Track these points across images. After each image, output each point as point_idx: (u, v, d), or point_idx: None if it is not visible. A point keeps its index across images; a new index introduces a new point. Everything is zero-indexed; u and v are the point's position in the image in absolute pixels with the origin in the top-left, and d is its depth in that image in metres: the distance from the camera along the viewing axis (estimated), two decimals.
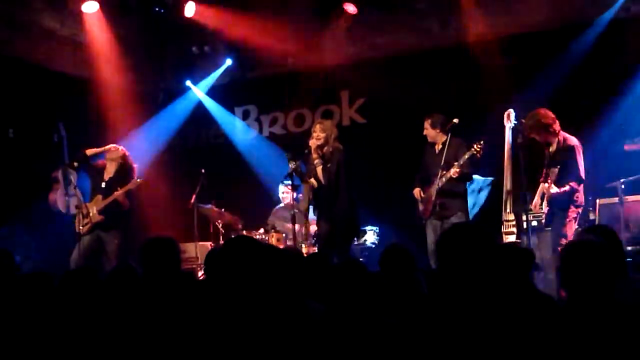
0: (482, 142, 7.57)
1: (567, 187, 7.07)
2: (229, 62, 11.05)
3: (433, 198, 7.91)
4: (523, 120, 7.34)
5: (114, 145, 8.89)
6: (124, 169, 8.75)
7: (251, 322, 2.69)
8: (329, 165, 7.82)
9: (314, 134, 7.92)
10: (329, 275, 3.65)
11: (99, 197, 8.55)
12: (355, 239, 8.70)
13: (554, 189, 7.07)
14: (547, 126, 7.25)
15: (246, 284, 2.69)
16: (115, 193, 8.49)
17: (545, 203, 7.21)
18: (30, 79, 9.87)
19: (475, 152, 7.59)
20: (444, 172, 7.75)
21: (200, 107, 11.73)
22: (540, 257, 7.63)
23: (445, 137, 8.01)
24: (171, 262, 4.17)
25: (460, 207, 7.94)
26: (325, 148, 7.89)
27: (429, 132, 8.17)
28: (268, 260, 2.77)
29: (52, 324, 3.87)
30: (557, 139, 7.28)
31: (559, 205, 7.15)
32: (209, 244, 9.47)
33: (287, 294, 2.83)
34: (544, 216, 7.32)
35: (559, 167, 7.03)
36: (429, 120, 8.15)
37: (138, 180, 8.73)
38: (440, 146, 8.07)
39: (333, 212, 7.80)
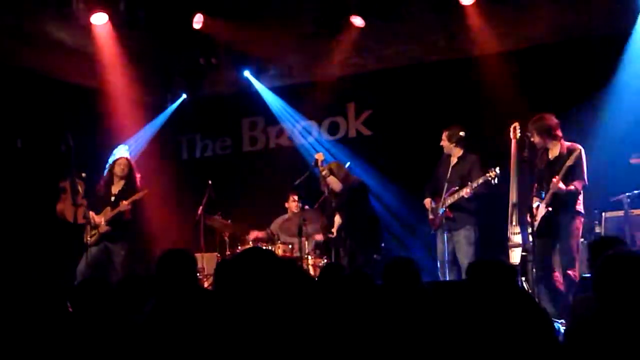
0: (497, 169, 7.58)
1: (572, 187, 7.04)
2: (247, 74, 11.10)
3: (438, 214, 7.94)
4: (528, 134, 7.36)
5: (121, 155, 8.92)
6: (130, 179, 8.78)
7: (265, 334, 2.70)
8: (349, 199, 8.48)
9: (326, 181, 8.44)
10: (340, 286, 3.67)
11: (108, 209, 8.57)
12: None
13: (562, 185, 7.00)
14: (550, 129, 7.25)
15: (262, 296, 2.70)
16: (122, 203, 8.52)
17: (543, 206, 7.16)
18: (38, 90, 9.93)
19: (490, 179, 7.61)
20: (456, 187, 7.79)
21: (207, 117, 11.80)
22: (544, 268, 7.64)
23: (462, 151, 8.06)
24: (188, 275, 4.17)
25: (469, 221, 7.97)
26: (342, 187, 8.38)
27: (446, 144, 8.21)
28: (285, 273, 2.78)
29: (64, 332, 3.90)
30: (558, 145, 7.27)
31: (564, 209, 7.11)
32: (215, 255, 9.50)
33: (302, 307, 2.85)
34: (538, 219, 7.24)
35: (568, 165, 6.99)
36: (447, 133, 8.19)
37: (143, 191, 8.74)
38: (456, 160, 8.11)
39: (355, 236, 8.31)
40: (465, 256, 7.85)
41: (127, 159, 8.84)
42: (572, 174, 7.01)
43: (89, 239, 8.38)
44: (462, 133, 8.07)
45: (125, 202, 8.51)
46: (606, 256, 3.43)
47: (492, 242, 7.92)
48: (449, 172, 8.07)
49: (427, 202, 8.27)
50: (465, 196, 7.74)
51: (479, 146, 7.96)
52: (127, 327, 3.86)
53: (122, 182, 8.74)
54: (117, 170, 8.73)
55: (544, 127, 7.26)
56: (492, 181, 7.61)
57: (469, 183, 7.73)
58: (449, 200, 7.84)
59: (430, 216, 8.24)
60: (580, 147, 7.22)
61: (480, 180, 7.65)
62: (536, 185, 7.33)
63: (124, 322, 3.96)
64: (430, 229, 8.28)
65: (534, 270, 7.10)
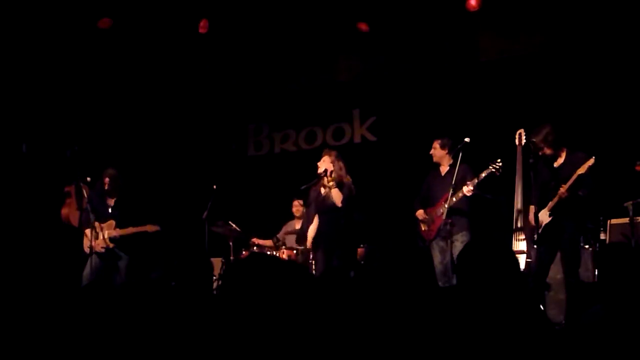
0: (500, 161, 7.58)
1: (580, 193, 7.00)
2: None
3: (442, 218, 7.87)
4: (534, 140, 7.34)
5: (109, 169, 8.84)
6: (121, 193, 8.74)
7: (270, 338, 2.70)
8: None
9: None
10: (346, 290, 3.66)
11: (112, 222, 8.52)
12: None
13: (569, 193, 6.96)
14: (554, 138, 7.20)
15: (267, 301, 2.70)
16: (129, 229, 8.50)
17: (546, 214, 7.13)
18: (44, 94, 9.96)
19: (494, 170, 7.59)
20: (456, 192, 7.74)
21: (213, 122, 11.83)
22: (550, 276, 7.64)
23: (452, 160, 8.06)
24: (205, 280, 4.17)
25: (466, 227, 7.95)
26: (343, 203, 8.16)
27: (437, 152, 8.20)
28: (291, 279, 2.77)
29: (68, 336, 3.89)
30: (563, 154, 7.25)
31: (567, 217, 7.08)
32: (220, 260, 9.49)
33: (306, 311, 2.84)
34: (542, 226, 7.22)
35: (579, 173, 6.94)
36: (439, 141, 8.21)
37: (155, 227, 8.70)
38: (447, 168, 8.12)
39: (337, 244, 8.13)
40: None
41: (114, 171, 8.73)
42: (581, 182, 6.98)
43: (93, 245, 8.36)
44: (452, 143, 8.10)
45: (132, 229, 8.50)
46: (614, 263, 3.42)
47: None
48: (442, 181, 8.08)
49: (420, 213, 8.20)
50: (467, 195, 7.71)
51: (483, 152, 7.93)
52: (134, 329, 3.86)
53: (114, 198, 8.71)
54: (105, 184, 8.67)
55: (548, 135, 7.24)
56: (497, 172, 7.60)
57: (468, 182, 7.71)
58: (449, 205, 7.76)
59: (424, 228, 8.20)
60: (589, 156, 7.14)
61: (483, 175, 7.64)
62: (539, 193, 7.30)
63: (130, 324, 3.96)
64: (425, 241, 8.23)
65: (538, 277, 7.10)
